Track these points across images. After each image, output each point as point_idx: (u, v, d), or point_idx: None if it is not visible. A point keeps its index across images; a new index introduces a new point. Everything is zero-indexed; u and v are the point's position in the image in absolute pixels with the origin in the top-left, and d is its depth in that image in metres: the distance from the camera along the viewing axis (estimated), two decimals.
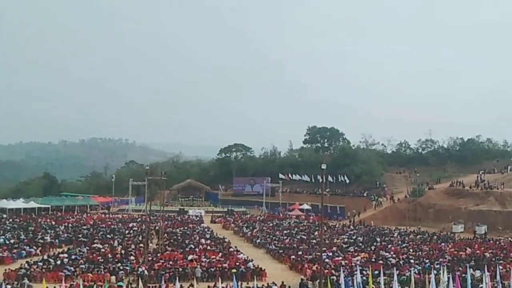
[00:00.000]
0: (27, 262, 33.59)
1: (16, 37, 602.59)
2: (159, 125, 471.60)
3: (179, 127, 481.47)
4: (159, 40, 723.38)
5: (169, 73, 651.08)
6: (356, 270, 28.12)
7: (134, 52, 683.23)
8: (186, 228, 56.13)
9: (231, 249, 41.55)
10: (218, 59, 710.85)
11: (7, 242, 42.21)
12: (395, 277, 24.85)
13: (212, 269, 32.73)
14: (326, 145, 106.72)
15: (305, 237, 49.68)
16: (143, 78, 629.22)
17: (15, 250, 38.99)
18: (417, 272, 30.38)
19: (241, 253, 39.88)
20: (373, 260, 36.55)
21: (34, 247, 40.93)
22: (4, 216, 60.70)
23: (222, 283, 25.20)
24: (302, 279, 29.55)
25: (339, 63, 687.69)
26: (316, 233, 51.46)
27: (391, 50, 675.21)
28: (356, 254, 39.65)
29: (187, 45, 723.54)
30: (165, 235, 48.38)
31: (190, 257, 36.40)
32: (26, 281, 27.71)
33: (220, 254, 38.80)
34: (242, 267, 33.41)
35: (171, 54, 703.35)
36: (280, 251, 41.77)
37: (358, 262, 34.90)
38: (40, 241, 43.83)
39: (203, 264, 34.31)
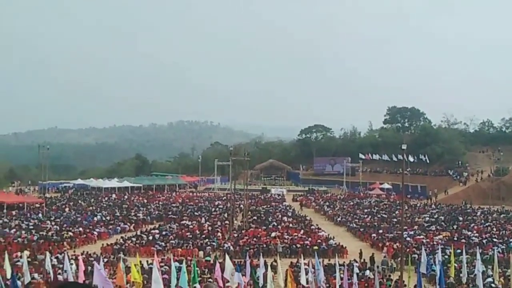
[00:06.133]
0: (122, 237, 36.41)
1: (114, 28, 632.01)
2: (242, 107, 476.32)
3: (261, 109, 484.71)
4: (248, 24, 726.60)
5: (250, 59, 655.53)
6: (438, 249, 28.00)
7: (219, 38, 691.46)
8: (268, 206, 57.85)
9: (312, 227, 42.53)
10: (300, 43, 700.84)
11: (104, 219, 45.84)
12: (478, 256, 24.36)
13: (294, 246, 33.90)
14: (406, 125, 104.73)
15: (386, 215, 49.65)
16: (224, 64, 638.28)
17: (111, 226, 42.34)
18: (500, 251, 29.90)
19: (322, 230, 40.76)
20: (455, 239, 36.23)
21: (128, 224, 44.13)
22: (101, 194, 65.40)
23: (304, 259, 26.04)
24: (373, 254, 30.31)
25: (418, 43, 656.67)
26: (397, 212, 51.10)
27: (470, 26, 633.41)
28: (437, 233, 39.34)
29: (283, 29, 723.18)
30: (249, 212, 50.10)
31: (273, 234, 37.70)
32: (121, 254, 29.91)
33: (302, 231, 39.83)
34: (324, 244, 34.34)
35: (259, 39, 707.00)
36: (361, 229, 42.26)
37: (440, 241, 34.68)
38: (134, 218, 47.00)
39: (285, 241, 35.54)
